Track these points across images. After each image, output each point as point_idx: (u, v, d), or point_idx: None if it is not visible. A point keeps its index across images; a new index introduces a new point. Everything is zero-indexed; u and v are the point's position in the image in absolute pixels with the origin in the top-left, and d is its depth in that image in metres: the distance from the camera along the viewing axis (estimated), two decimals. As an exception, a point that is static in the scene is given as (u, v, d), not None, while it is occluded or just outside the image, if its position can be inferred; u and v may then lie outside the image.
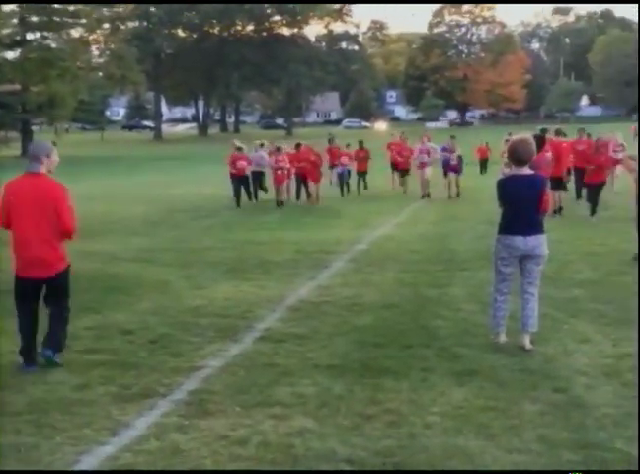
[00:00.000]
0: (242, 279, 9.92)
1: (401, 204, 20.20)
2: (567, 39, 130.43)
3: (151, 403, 5.37)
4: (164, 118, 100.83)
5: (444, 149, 21.82)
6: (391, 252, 12.19)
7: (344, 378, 5.79)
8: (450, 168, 21.34)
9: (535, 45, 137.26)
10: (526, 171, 6.56)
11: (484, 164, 32.51)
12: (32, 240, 6.12)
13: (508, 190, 6.63)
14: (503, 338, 6.64)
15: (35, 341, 6.31)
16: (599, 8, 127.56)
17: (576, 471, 3.80)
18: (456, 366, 6.06)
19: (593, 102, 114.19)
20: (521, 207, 6.53)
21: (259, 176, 21.27)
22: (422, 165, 21.83)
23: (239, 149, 20.58)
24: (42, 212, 6.12)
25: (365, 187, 24.26)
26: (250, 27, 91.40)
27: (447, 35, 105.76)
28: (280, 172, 20.02)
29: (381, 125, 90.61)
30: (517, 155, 6.55)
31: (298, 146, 21.72)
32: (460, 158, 22.21)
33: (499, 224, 6.68)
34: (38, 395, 5.54)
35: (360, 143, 24.55)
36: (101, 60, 62.67)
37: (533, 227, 6.56)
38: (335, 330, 7.28)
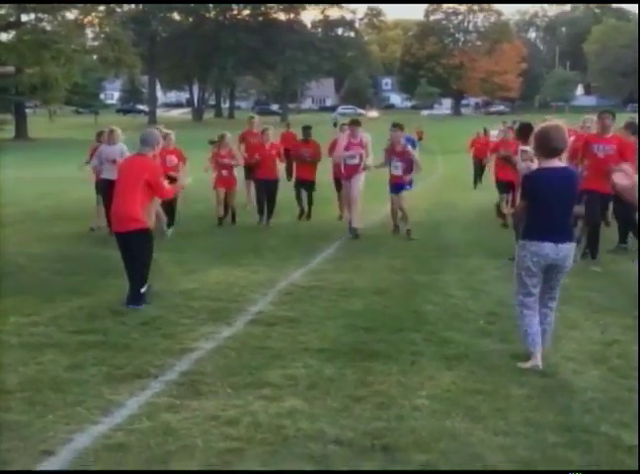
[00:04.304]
0: (235, 264, 9.95)
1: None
2: (563, 29, 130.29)
3: (143, 383, 5.42)
4: (159, 102, 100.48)
5: (389, 151, 12.50)
6: (383, 238, 12.25)
7: (334, 361, 5.85)
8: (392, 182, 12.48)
9: (532, 34, 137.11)
10: (559, 163, 5.66)
11: (482, 166, 21.38)
12: None
13: (539, 186, 5.60)
14: (540, 360, 5.68)
15: None
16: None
17: (576, 471, 3.86)
18: (446, 351, 6.13)
19: (588, 92, 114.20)
20: (554, 208, 5.56)
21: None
22: (348, 170, 12.39)
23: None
24: None
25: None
26: (246, 11, 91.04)
27: (444, 22, 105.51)
28: (225, 172, 13.72)
29: (373, 113, 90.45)
30: (550, 143, 5.57)
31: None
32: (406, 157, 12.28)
33: (524, 228, 5.77)
34: (30, 374, 5.58)
35: (306, 131, 14.71)
36: (95, 43, 62.31)
37: (566, 233, 5.68)
38: (326, 314, 7.34)
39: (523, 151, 9.52)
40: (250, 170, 14.56)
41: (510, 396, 5.13)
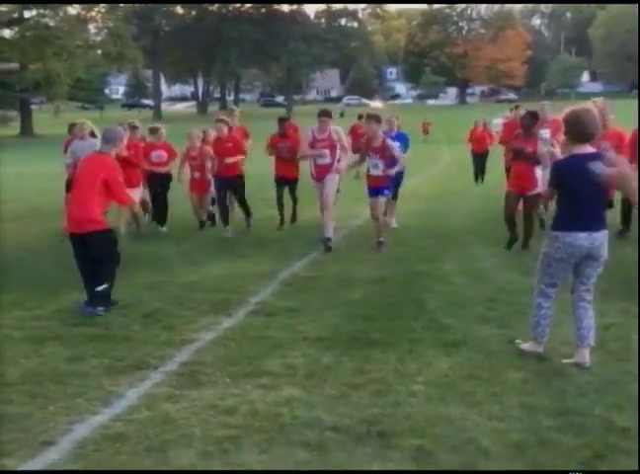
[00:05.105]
0: (237, 256, 10.00)
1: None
2: (568, 14, 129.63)
3: (143, 374, 5.48)
4: (163, 96, 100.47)
5: (366, 146, 10.40)
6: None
7: (332, 350, 5.90)
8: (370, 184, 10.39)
9: (536, 21, 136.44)
10: (590, 149, 5.35)
11: (481, 161, 20.33)
12: None
13: (570, 174, 5.31)
14: (541, 349, 5.68)
15: None
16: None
17: (576, 471, 3.90)
18: (444, 337, 6.17)
19: (594, 78, 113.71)
20: (587, 196, 5.30)
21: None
22: (319, 172, 10.69)
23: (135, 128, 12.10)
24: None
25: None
26: (249, 3, 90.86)
27: (447, 10, 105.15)
28: (196, 174, 12.32)
29: (377, 103, 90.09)
30: (582, 129, 5.27)
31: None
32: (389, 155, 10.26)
33: (555, 218, 5.51)
34: (31, 367, 5.65)
35: (282, 123, 12.38)
36: (98, 38, 62.33)
37: (600, 221, 5.41)
38: (326, 304, 7.38)
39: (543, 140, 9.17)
40: None
41: (506, 381, 5.16)
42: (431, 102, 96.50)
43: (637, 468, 3.93)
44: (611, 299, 7.01)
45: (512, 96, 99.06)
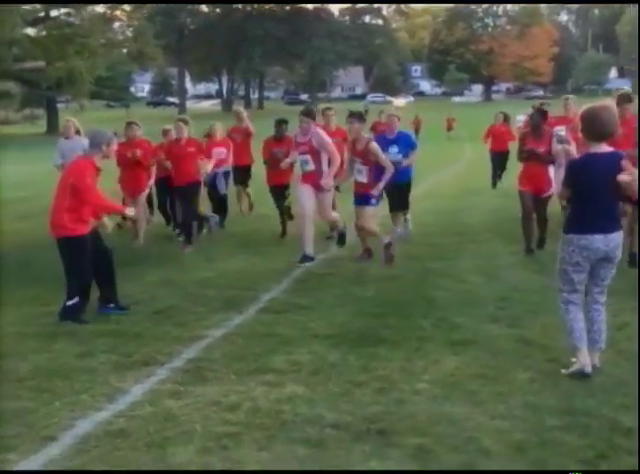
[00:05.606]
0: (253, 253, 10.01)
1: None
2: (596, 11, 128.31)
3: (149, 371, 5.49)
4: (188, 94, 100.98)
5: (350, 150, 9.43)
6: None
7: (340, 347, 5.88)
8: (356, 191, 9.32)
9: (564, 17, 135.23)
10: (607, 148, 5.11)
11: (501, 161, 17.97)
12: None
13: (585, 174, 5.07)
14: (588, 360, 5.17)
15: None
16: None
17: (576, 471, 3.85)
18: (453, 336, 6.12)
19: (622, 74, 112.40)
20: (602, 197, 5.08)
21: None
22: (306, 180, 9.40)
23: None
24: None
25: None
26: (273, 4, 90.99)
27: (473, 7, 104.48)
28: None
29: (400, 101, 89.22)
30: (600, 127, 5.02)
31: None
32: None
33: (568, 220, 5.27)
34: (40, 363, 5.69)
35: (279, 126, 11.36)
36: (121, 37, 62.75)
37: (614, 222, 5.19)
38: (337, 301, 7.36)
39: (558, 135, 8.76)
40: (241, 174, 12.93)
41: (513, 380, 5.11)
42: (456, 99, 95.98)
43: (637, 468, 3.87)
44: (625, 298, 6.91)
45: (541, 93, 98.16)
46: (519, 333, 6.17)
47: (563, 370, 5.22)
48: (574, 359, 5.21)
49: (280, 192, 11.10)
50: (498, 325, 6.43)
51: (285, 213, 11.35)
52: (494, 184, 18.03)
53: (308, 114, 9.37)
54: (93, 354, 5.90)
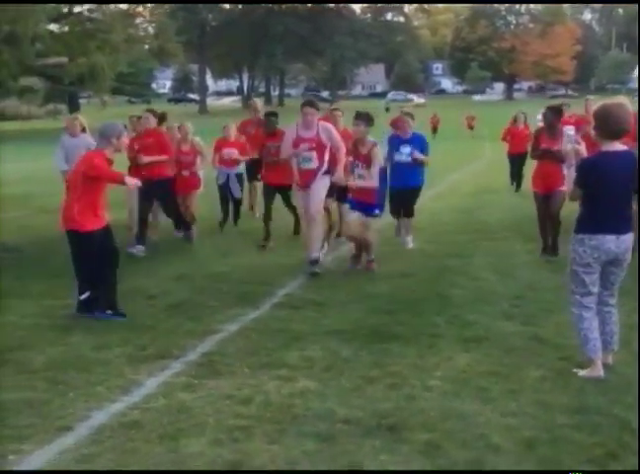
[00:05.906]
0: (268, 248, 10.05)
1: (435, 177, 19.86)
2: (620, 10, 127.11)
3: (164, 364, 5.55)
4: (209, 90, 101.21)
5: (352, 153, 8.67)
6: (420, 223, 12.15)
7: (352, 343, 5.91)
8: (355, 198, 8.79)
9: (587, 16, 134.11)
10: (621, 146, 5.00)
11: (519, 165, 16.95)
12: None
13: (598, 173, 4.96)
14: (602, 371, 5.11)
15: None
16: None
17: (576, 471, 3.85)
18: (466, 333, 6.13)
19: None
20: (615, 197, 4.98)
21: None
22: (304, 178, 8.73)
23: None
24: None
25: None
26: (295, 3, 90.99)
27: (496, 5, 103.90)
28: (185, 172, 11.15)
29: (419, 99, 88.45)
30: (612, 125, 4.91)
31: None
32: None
33: (579, 220, 5.12)
34: (56, 355, 5.76)
35: (270, 120, 10.86)
36: (143, 33, 63.03)
37: (627, 223, 5.08)
38: (351, 297, 7.39)
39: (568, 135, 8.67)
40: (255, 169, 12.08)
41: (524, 378, 5.11)
42: (477, 97, 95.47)
43: (637, 468, 3.87)
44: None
45: (562, 91, 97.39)
46: (532, 331, 6.18)
47: (576, 370, 5.21)
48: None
49: (278, 191, 10.41)
50: (511, 323, 6.43)
51: (295, 212, 10.79)
52: (515, 185, 17.26)
53: (312, 104, 8.60)
54: (108, 346, 5.97)
